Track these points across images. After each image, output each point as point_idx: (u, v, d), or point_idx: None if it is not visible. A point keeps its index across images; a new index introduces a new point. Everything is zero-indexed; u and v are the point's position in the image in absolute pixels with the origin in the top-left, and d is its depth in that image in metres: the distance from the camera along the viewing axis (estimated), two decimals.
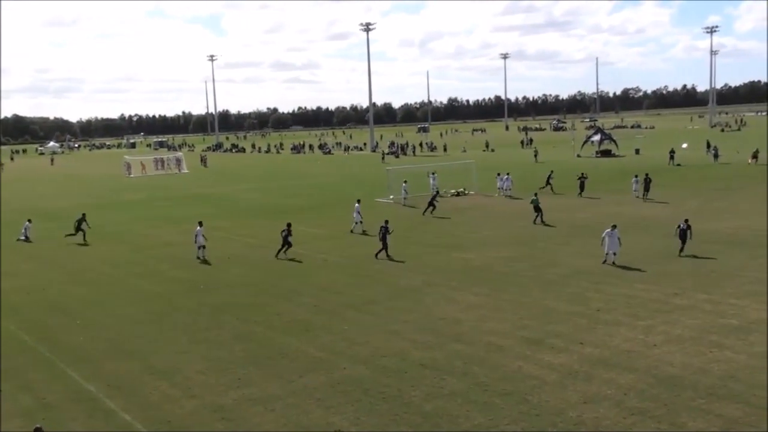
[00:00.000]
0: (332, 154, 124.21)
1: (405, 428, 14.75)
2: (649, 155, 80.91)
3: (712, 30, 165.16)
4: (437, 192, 49.35)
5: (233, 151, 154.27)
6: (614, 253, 28.07)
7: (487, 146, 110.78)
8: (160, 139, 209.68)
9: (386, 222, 32.09)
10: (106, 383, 17.97)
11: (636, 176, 47.74)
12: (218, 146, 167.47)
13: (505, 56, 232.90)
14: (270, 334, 21.47)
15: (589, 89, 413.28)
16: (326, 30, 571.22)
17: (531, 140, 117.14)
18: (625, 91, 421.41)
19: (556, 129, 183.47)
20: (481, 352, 18.93)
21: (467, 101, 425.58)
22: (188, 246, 35.74)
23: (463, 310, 23.01)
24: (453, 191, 53.24)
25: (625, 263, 28.23)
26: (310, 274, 29.19)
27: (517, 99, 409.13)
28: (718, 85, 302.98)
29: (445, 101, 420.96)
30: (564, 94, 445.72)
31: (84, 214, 41.18)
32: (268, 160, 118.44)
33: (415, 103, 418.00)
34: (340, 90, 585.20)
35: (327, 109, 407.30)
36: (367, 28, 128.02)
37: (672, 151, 70.71)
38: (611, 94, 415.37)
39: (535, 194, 41.26)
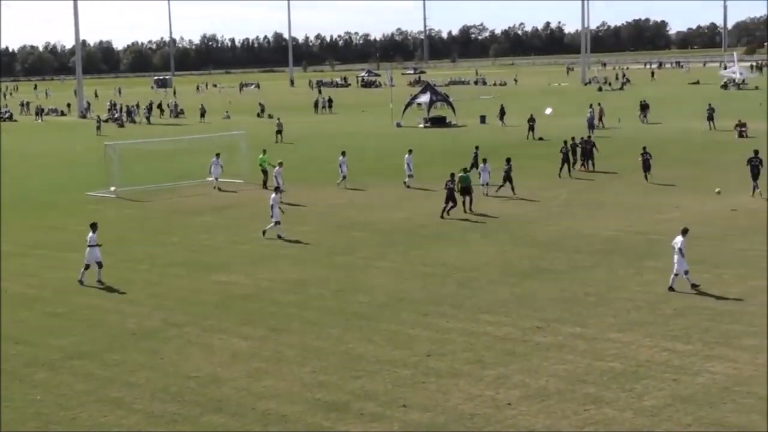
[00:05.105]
0: (15, 120, 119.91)
1: None
2: (500, 125, 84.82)
3: None
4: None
5: None
6: (677, 274, 27.81)
7: (262, 111, 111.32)
8: None
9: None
10: None
11: (484, 161, 50.08)
12: None
13: None
14: None
15: (414, 27, 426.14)
16: None
17: (329, 101, 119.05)
18: (465, 31, 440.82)
19: (367, 85, 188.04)
20: (254, 425, 19.00)
21: (231, 41, 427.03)
22: None
23: (226, 362, 23.01)
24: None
25: (461, 280, 29.45)
26: None
27: (307, 39, 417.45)
28: (593, 25, 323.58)
29: (196, 41, 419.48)
30: (377, 34, 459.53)
31: None
32: None
33: (150, 43, 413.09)
34: (27, 21, 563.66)
35: (7, 49, 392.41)
36: None
37: (531, 120, 74.60)
38: (445, 35, 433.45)
39: (464, 170, 42.83)
